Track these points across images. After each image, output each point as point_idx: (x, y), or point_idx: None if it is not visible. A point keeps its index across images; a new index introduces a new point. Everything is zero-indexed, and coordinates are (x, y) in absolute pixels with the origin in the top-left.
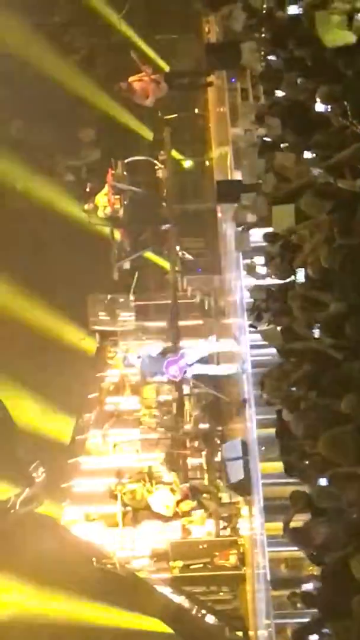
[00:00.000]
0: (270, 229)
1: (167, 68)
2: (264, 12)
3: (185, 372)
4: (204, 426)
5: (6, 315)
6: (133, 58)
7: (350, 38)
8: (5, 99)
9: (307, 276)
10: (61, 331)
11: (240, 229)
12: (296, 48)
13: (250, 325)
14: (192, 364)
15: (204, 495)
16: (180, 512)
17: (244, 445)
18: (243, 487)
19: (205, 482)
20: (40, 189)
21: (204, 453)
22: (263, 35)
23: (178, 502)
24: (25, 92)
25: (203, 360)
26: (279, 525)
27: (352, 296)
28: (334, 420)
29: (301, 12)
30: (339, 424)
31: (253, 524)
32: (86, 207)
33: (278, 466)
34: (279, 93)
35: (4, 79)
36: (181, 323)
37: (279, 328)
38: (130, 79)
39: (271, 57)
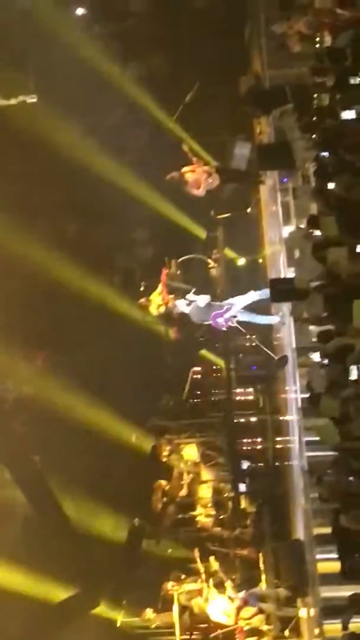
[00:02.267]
0: (325, 327)
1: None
2: (315, 115)
3: (230, 322)
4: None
5: (63, 414)
6: (185, 153)
7: None
8: (61, 202)
9: None
10: (115, 429)
11: (298, 322)
12: (347, 153)
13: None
14: (236, 316)
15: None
16: (242, 619)
17: (300, 544)
18: (300, 589)
19: (263, 584)
20: (96, 289)
21: (260, 554)
22: (314, 136)
23: (238, 610)
24: (79, 195)
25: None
26: (338, 627)
27: None
28: None
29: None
30: None
31: (312, 626)
32: (140, 302)
33: (335, 566)
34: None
35: (58, 182)
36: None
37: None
38: (183, 169)
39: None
